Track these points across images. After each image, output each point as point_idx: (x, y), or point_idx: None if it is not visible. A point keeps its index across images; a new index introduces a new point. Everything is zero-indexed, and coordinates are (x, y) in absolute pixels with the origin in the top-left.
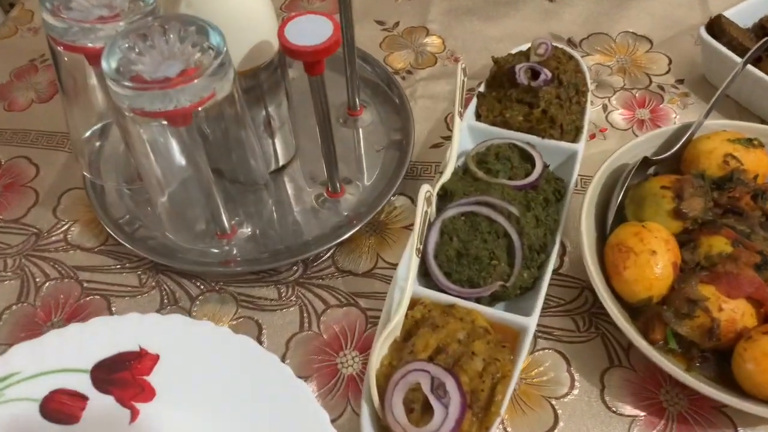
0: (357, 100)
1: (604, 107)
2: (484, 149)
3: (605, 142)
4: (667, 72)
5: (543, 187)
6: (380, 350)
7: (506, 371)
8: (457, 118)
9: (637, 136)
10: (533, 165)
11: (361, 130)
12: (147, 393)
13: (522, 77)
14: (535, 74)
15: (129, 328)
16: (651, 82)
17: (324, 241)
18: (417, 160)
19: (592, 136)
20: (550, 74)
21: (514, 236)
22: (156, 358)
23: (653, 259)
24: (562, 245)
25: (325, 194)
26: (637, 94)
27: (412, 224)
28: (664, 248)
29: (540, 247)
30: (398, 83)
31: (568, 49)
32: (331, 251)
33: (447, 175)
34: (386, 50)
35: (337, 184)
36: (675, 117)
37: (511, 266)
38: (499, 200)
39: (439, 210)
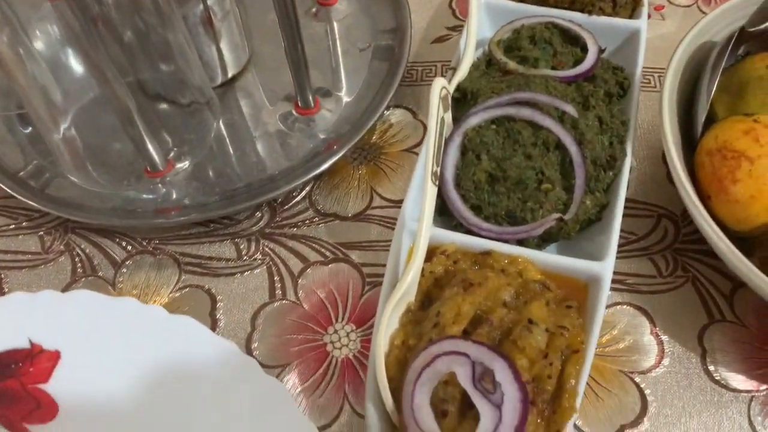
0: None
1: None
2: (511, 33)
3: (663, 24)
4: None
5: (601, 75)
6: (388, 324)
7: (577, 343)
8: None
9: (703, 12)
10: (583, 49)
11: (337, 24)
12: (46, 409)
13: None
14: None
15: (14, 314)
16: None
17: (296, 175)
18: (415, 59)
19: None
20: None
21: (572, 147)
22: (56, 357)
23: None
24: None
25: (293, 112)
26: None
27: (415, 146)
28: None
29: (607, 160)
30: None
31: None
32: (307, 189)
33: (464, 70)
34: None
35: (310, 97)
36: None
37: (569, 190)
38: (546, 96)
39: (456, 121)
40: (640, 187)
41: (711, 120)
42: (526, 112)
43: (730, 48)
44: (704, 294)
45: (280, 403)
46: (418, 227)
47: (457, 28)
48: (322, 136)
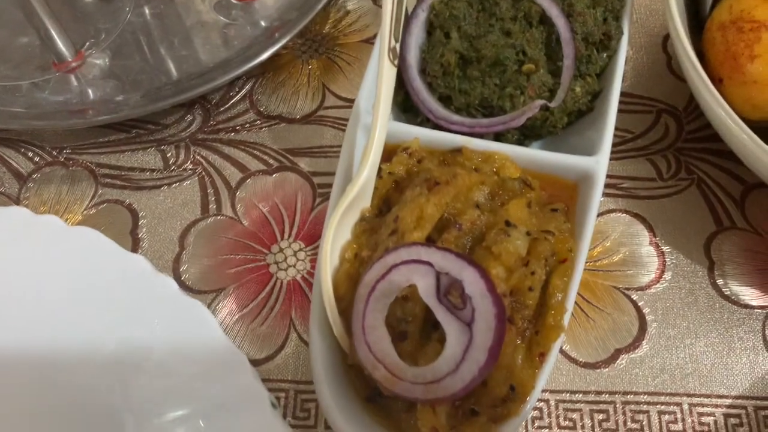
0: None
1: None
2: None
3: None
4: None
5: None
6: (338, 233)
7: (564, 251)
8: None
9: None
10: None
11: None
12: None
13: None
14: None
15: None
16: None
17: (233, 67)
18: None
19: None
20: None
21: (559, 20)
22: None
23: None
24: None
25: None
26: None
27: (376, 36)
28: None
29: (600, 39)
30: None
31: None
32: (248, 87)
33: None
34: None
35: None
36: None
37: (556, 74)
38: None
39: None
40: (637, 79)
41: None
42: None
43: None
44: (711, 198)
45: (200, 326)
46: (373, 117)
47: None
48: (264, 24)
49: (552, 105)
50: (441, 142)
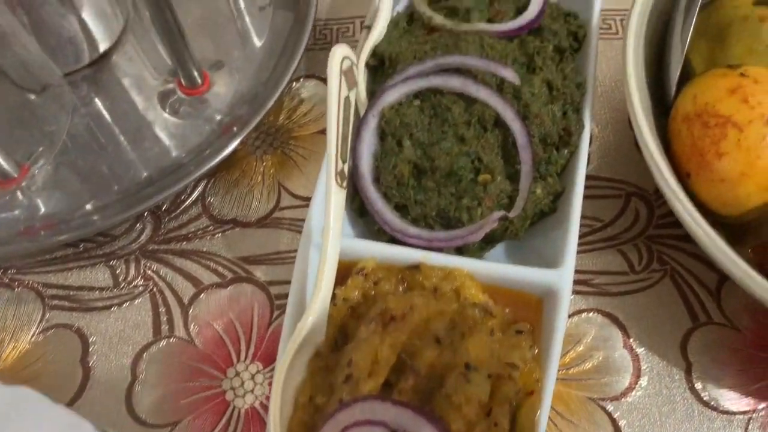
0: None
1: None
2: None
3: None
4: None
5: (549, 26)
6: (291, 374)
7: (531, 383)
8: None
9: None
10: None
11: None
12: None
13: None
14: None
15: None
16: None
17: (183, 173)
18: (329, 16)
19: None
20: None
21: (515, 123)
22: None
23: None
24: None
25: (177, 90)
26: None
27: None
28: None
29: (560, 135)
30: None
31: None
32: (200, 188)
33: (380, 29)
34: None
35: (195, 73)
36: None
37: (514, 179)
38: (480, 60)
39: (374, 94)
40: (604, 159)
41: (687, 74)
42: (456, 82)
43: None
44: (686, 290)
45: None
46: (322, 245)
47: None
48: (216, 119)
49: (511, 215)
50: (398, 258)
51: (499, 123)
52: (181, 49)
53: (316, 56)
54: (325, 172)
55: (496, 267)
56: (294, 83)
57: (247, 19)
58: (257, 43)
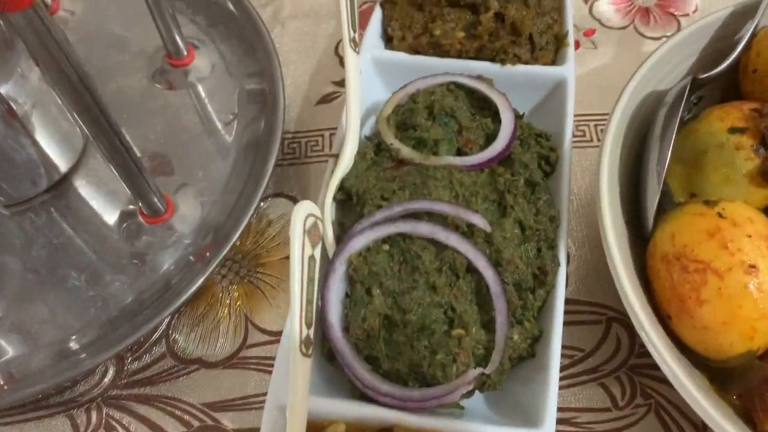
0: (180, 40)
1: None
2: (406, 100)
3: (596, 54)
4: None
5: (519, 157)
6: None
7: None
8: (349, 50)
9: (642, 34)
10: (496, 118)
11: (193, 91)
12: None
13: None
14: None
15: None
16: None
17: (146, 316)
18: (297, 128)
19: (576, 45)
20: None
21: (487, 272)
22: None
23: (753, 281)
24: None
25: (139, 217)
26: None
27: None
28: None
29: (535, 275)
30: (247, 1)
31: None
32: (165, 323)
33: (347, 161)
34: None
35: (155, 200)
36: None
37: (490, 327)
38: (449, 206)
39: (341, 236)
40: (582, 281)
41: (664, 197)
42: (425, 229)
43: (681, 107)
44: (671, 426)
45: None
46: (294, 406)
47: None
48: (180, 249)
49: (487, 371)
50: (370, 419)
51: (472, 269)
52: (140, 183)
53: (285, 172)
54: (286, 338)
55: (475, 428)
56: (262, 203)
57: (212, 135)
58: (223, 161)
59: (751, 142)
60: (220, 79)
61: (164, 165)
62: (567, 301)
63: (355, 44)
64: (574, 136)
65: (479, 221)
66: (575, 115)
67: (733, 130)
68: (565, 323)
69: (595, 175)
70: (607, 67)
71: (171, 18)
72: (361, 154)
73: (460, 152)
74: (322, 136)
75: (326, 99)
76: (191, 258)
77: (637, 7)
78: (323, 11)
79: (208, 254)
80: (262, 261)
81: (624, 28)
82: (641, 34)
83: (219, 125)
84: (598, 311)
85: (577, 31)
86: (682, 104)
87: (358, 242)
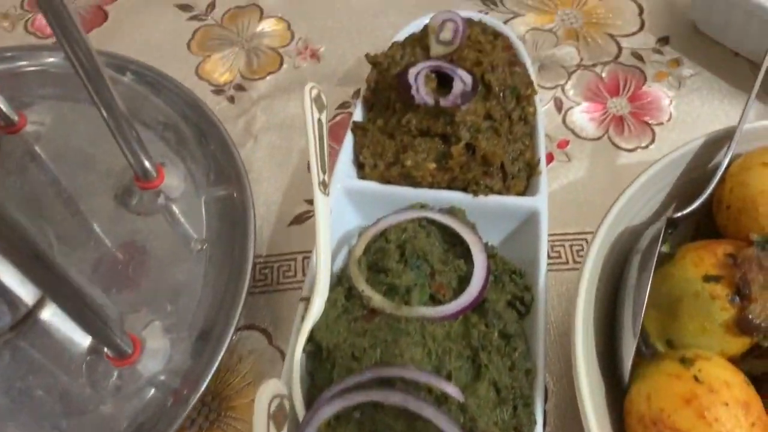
0: (148, 162)
1: (558, 103)
2: (378, 237)
3: (569, 167)
4: (641, 28)
5: (493, 306)
6: None
7: None
8: (318, 193)
9: (617, 146)
10: (469, 257)
11: (162, 215)
12: None
13: (422, 92)
14: (443, 79)
15: None
16: (620, 48)
17: None
18: (270, 252)
19: (549, 158)
20: (470, 78)
21: None
22: None
23: None
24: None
25: (105, 360)
26: (604, 73)
27: None
28: (746, 424)
29: None
30: (216, 118)
31: (491, 20)
32: None
33: (316, 310)
34: (198, 53)
35: (118, 341)
36: (670, 104)
37: None
38: (422, 374)
39: (311, 390)
40: (561, 419)
41: (641, 339)
42: (397, 398)
43: (655, 256)
44: None
45: None
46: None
47: None
48: (148, 395)
49: None
50: None
51: None
52: (100, 327)
53: (256, 302)
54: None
55: None
56: (233, 337)
57: (181, 264)
58: (193, 292)
59: (726, 292)
60: (190, 202)
61: (132, 298)
62: None
63: (325, 186)
64: (550, 257)
65: (452, 391)
66: (550, 235)
67: (707, 278)
68: None
69: (570, 287)
70: (581, 182)
71: (136, 141)
72: (331, 301)
73: (432, 297)
74: (295, 260)
75: (299, 219)
76: (160, 403)
77: (611, 116)
78: (297, 122)
79: (178, 399)
80: (231, 404)
81: (598, 138)
82: (616, 145)
83: (189, 252)
84: None
85: (550, 142)
86: (656, 253)
87: (327, 411)
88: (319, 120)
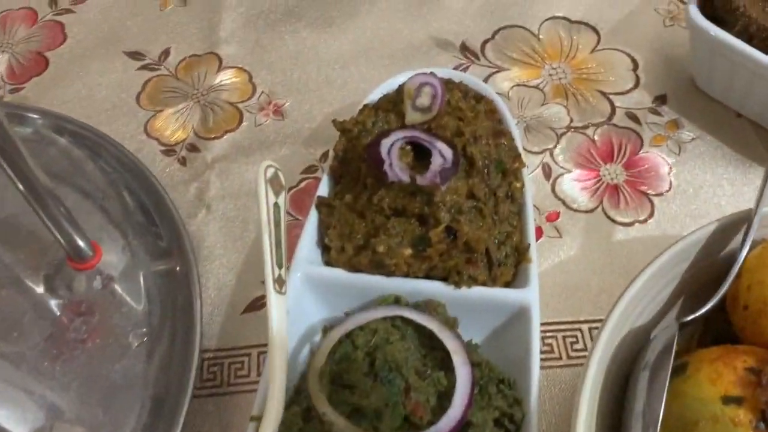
0: (82, 241)
1: (546, 170)
2: (343, 338)
3: (561, 244)
4: (635, 85)
5: (478, 430)
6: None
7: None
8: (271, 291)
9: (612, 219)
10: (449, 368)
11: (98, 302)
12: None
13: (396, 167)
14: (420, 150)
15: None
16: (613, 108)
17: None
18: (220, 345)
19: (538, 233)
20: (449, 152)
21: None
22: None
23: None
24: None
25: None
26: (596, 136)
27: None
28: None
29: None
30: (161, 187)
31: (472, 81)
32: None
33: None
34: (149, 107)
35: None
36: (670, 171)
37: None
38: None
39: None
40: None
41: None
42: None
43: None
44: None
45: None
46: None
47: None
48: None
49: None
50: None
51: None
52: None
53: (203, 407)
54: None
55: None
56: None
57: (118, 362)
58: (130, 397)
59: (749, 417)
60: (129, 284)
61: (58, 404)
62: None
63: (281, 285)
64: (541, 352)
65: None
66: (540, 325)
67: (727, 400)
68: None
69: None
70: (574, 261)
71: (66, 219)
72: (286, 425)
73: (407, 419)
74: (249, 355)
75: (255, 305)
76: None
77: (605, 185)
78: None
79: None
80: None
81: (591, 211)
82: (611, 219)
83: (126, 348)
84: None
85: (539, 215)
86: (669, 368)
87: None
88: (276, 204)
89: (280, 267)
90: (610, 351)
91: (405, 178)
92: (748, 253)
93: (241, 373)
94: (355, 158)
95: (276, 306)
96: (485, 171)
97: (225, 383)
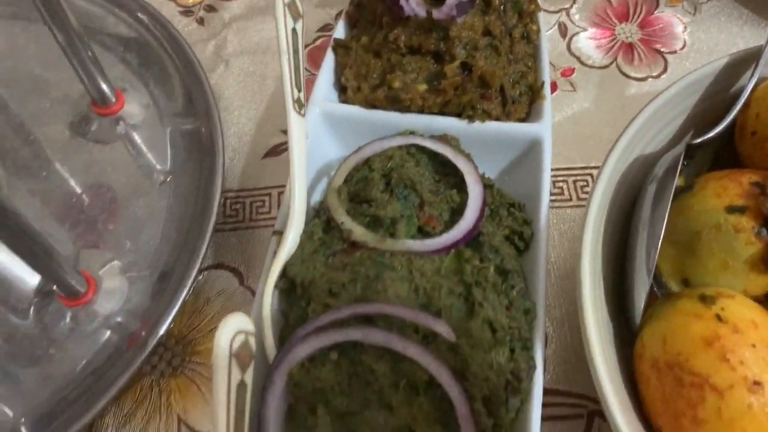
0: (106, 86)
1: (562, 29)
2: (360, 166)
3: (575, 97)
4: None
5: (489, 240)
6: None
7: None
8: (292, 112)
9: (626, 74)
10: (462, 187)
11: (122, 144)
12: None
13: (413, 1)
14: None
15: None
16: None
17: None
18: (242, 186)
19: (552, 87)
20: None
21: (452, 389)
22: None
23: (757, 400)
24: None
25: (56, 299)
26: None
27: None
28: None
29: (508, 381)
30: (183, 39)
31: None
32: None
33: (290, 244)
34: None
35: (67, 278)
36: (684, 30)
37: None
38: (407, 310)
39: (284, 331)
40: (561, 367)
41: (653, 280)
42: (379, 337)
43: (674, 185)
44: None
45: None
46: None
47: None
48: (103, 336)
49: None
50: None
51: (434, 382)
52: (48, 264)
53: (226, 240)
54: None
55: None
56: (200, 276)
57: (142, 197)
58: (155, 228)
59: (752, 224)
60: (152, 130)
61: (87, 235)
62: (544, 392)
63: (300, 105)
64: (552, 193)
65: (442, 329)
66: (552, 170)
67: (731, 209)
68: (543, 418)
69: (576, 223)
70: (587, 113)
71: (92, 62)
72: (307, 234)
73: (421, 230)
74: (270, 195)
75: (275, 151)
76: (117, 346)
77: (620, 43)
78: (273, 47)
79: (135, 342)
80: (197, 348)
81: (606, 67)
82: (625, 74)
83: (151, 185)
84: (578, 403)
85: (554, 71)
86: (675, 181)
87: (301, 351)
88: (294, 30)
89: (299, 90)
90: (620, 171)
91: (421, 12)
92: (757, 85)
93: (262, 210)
94: (372, 1)
95: (296, 126)
96: (502, 9)
97: (247, 219)
